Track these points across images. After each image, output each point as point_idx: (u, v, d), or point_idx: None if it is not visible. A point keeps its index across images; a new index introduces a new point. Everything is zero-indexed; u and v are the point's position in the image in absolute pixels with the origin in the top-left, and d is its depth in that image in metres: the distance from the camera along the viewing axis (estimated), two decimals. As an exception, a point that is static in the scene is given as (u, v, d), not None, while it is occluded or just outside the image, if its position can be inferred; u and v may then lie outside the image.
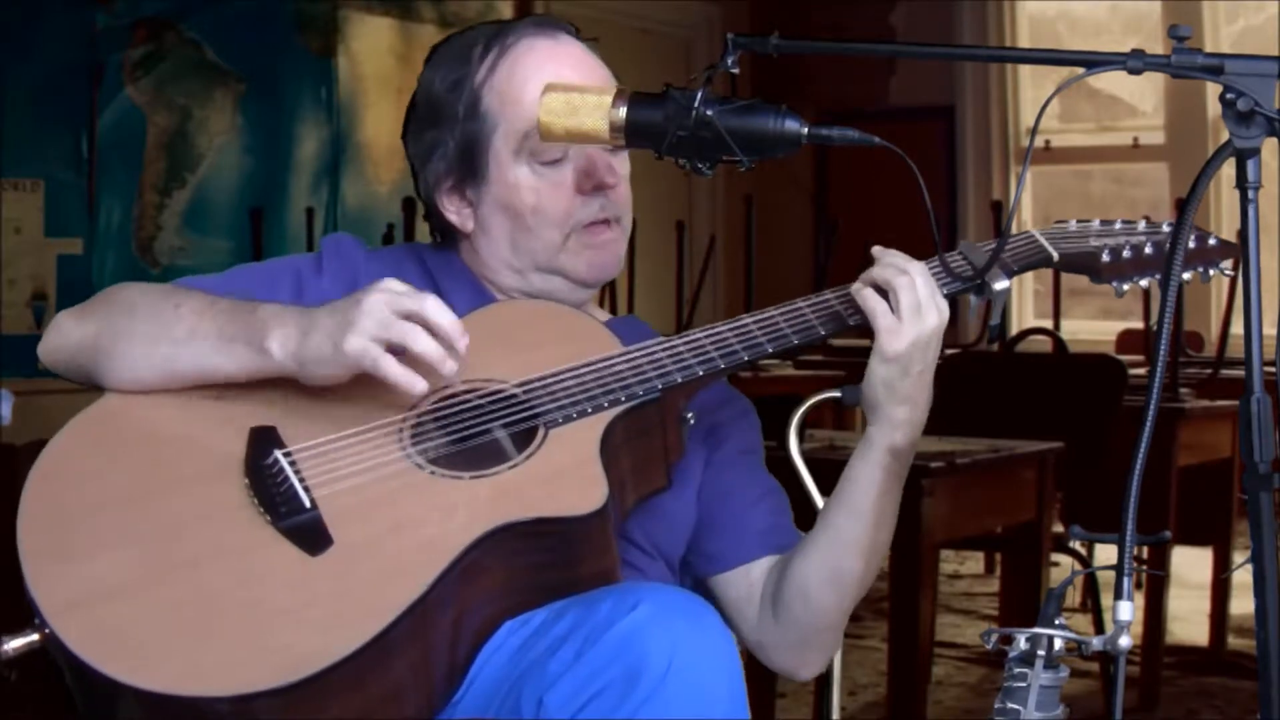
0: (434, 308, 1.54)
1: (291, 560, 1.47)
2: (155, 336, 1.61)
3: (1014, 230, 1.73)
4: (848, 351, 5.37)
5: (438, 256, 1.85)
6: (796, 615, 1.73)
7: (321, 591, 1.45)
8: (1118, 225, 1.81)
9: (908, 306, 1.61)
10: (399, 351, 1.53)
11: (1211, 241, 1.80)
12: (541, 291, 1.79)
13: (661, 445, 1.65)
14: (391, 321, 1.52)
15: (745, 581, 1.77)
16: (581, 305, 1.82)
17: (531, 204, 1.75)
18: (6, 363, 5.10)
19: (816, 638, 1.76)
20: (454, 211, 1.81)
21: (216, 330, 1.59)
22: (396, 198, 5.87)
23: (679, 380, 1.64)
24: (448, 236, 1.85)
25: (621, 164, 1.80)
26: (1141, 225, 1.81)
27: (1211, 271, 1.80)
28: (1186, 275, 1.77)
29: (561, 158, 1.75)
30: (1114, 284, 1.78)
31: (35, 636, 1.43)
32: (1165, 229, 1.81)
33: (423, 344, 1.52)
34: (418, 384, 1.52)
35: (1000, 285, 1.67)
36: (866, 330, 1.65)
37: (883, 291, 1.63)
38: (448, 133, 1.77)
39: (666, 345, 1.67)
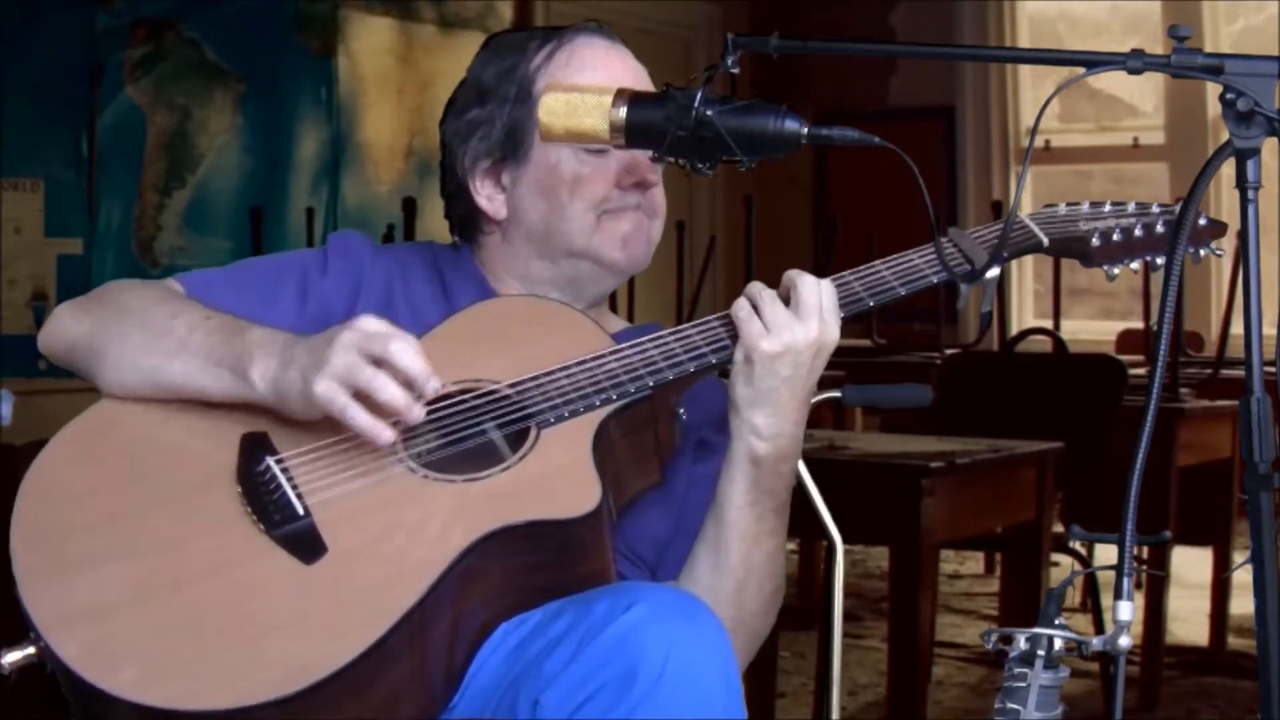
0: (401, 352, 1.50)
1: (286, 570, 1.47)
2: (145, 345, 1.61)
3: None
4: (848, 351, 5.33)
5: (450, 255, 1.85)
6: None
7: (317, 601, 1.45)
8: (1107, 207, 1.80)
9: (787, 308, 1.63)
10: (365, 397, 1.50)
11: (1201, 221, 1.79)
12: (570, 279, 1.78)
13: (654, 442, 1.65)
14: (358, 366, 1.49)
15: None
16: (598, 305, 1.82)
17: (570, 180, 1.75)
18: (6, 363, 5.08)
19: None
20: (486, 196, 1.80)
21: (205, 350, 1.59)
22: (396, 198, 5.87)
23: (670, 377, 1.63)
24: (468, 234, 1.85)
25: (657, 173, 1.80)
26: (1131, 207, 1.81)
27: (1202, 251, 1.79)
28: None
29: (606, 149, 1.74)
30: (1105, 267, 1.78)
31: (32, 650, 1.43)
32: (1155, 210, 1.81)
33: (388, 393, 1.49)
34: (384, 434, 1.50)
35: (991, 273, 1.67)
36: (860, 322, 1.65)
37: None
38: (495, 113, 1.78)
39: (658, 341, 1.66)
